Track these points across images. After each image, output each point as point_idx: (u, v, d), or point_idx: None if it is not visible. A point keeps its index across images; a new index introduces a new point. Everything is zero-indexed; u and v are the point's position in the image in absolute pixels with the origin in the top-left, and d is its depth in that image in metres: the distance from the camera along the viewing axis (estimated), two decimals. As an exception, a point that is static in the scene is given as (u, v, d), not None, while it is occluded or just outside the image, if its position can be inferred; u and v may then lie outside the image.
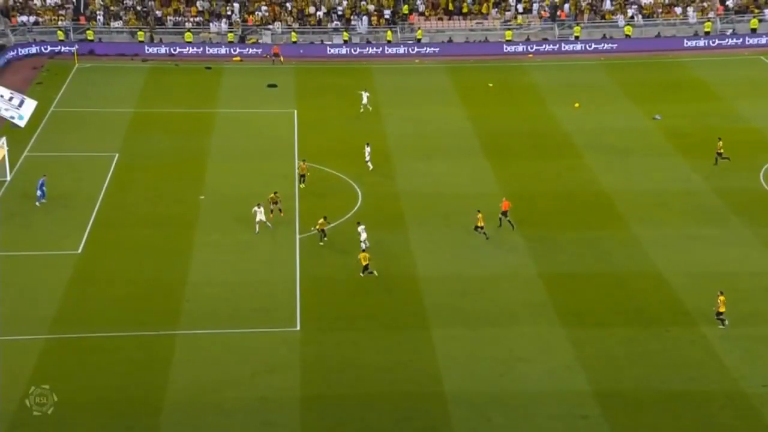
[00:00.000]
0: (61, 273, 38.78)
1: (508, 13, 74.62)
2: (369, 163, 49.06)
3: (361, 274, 38.67)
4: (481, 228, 41.88)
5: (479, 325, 35.93)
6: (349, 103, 59.96)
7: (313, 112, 58.30)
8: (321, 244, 41.21)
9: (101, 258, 40.29)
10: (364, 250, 39.43)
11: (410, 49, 71.28)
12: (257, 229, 41.85)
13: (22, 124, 50.73)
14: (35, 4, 71.68)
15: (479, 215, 42.05)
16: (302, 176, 46.74)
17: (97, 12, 71.80)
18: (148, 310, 36.42)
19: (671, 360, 33.82)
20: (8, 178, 47.07)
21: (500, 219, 42.80)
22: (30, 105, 52.08)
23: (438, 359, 33.82)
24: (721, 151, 49.36)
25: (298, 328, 35.58)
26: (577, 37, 72.70)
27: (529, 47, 71.81)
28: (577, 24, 73.37)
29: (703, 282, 38.37)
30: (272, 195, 43.22)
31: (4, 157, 46.89)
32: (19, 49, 67.57)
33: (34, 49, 68.09)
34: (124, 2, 73.13)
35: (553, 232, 42.99)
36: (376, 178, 48.27)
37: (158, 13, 72.23)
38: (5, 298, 36.66)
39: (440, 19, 74.61)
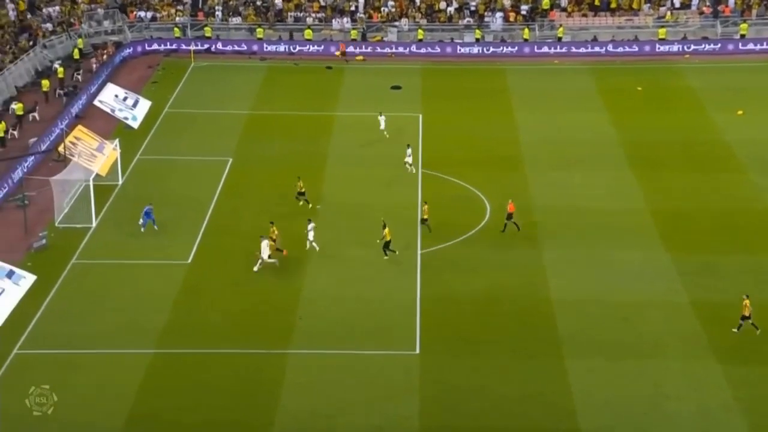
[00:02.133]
0: (169, 284, 40.05)
1: (662, 9, 72.99)
2: (411, 167, 49.09)
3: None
4: (425, 221, 43.20)
5: (621, 357, 35.18)
6: (479, 107, 59.92)
7: (440, 117, 58.47)
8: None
9: (211, 269, 41.42)
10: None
11: (549, 49, 70.69)
12: (256, 267, 40.49)
13: (135, 125, 53.38)
14: (153, -1, 74.76)
15: (425, 207, 43.44)
16: (301, 193, 46.05)
17: (216, 7, 74.20)
18: (259, 326, 37.24)
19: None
20: (120, 182, 49.15)
21: (505, 223, 43.02)
22: (144, 105, 54.66)
23: (573, 393, 33.29)
24: None
25: (418, 351, 35.66)
26: (743, 36, 70.38)
27: (685, 47, 70.01)
28: (744, 21, 71.04)
29: None
30: (271, 229, 41.51)
31: (116, 159, 48.97)
32: (136, 47, 70.57)
33: (150, 47, 70.97)
34: (244, -3, 75.42)
35: (709, 256, 41.78)
36: (506, 190, 48.00)
37: (279, 4, 73.93)
38: (113, 310, 38.16)
39: (584, 15, 73.63)
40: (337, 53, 69.12)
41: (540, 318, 37.61)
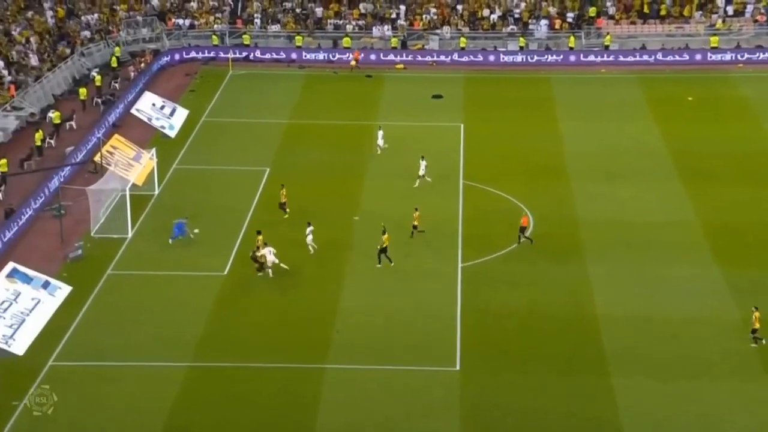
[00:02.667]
0: (205, 296, 40.31)
1: (714, 17, 72.35)
2: (427, 177, 48.82)
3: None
4: (416, 227, 43.47)
5: (670, 376, 34.83)
6: (523, 116, 59.76)
7: (482, 127, 58.35)
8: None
9: (248, 281, 41.60)
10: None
11: (596, 57, 70.33)
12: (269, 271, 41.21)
13: (172, 134, 53.89)
14: (192, 7, 75.47)
15: (416, 214, 43.65)
16: (282, 204, 46.23)
17: (255, 15, 74.79)
18: (296, 340, 37.34)
19: None
20: (156, 192, 49.63)
21: (519, 236, 42.86)
22: (181, 114, 55.20)
23: (620, 413, 32.98)
24: None
25: (458, 367, 35.55)
26: (799, 44, 69.71)
27: (739, 55, 69.36)
28: (800, 29, 70.38)
29: None
30: (259, 238, 42.01)
31: (153, 169, 49.46)
32: (174, 54, 71.33)
33: (188, 55, 71.68)
34: (284, 4, 75.91)
35: (762, 271, 41.32)
36: (550, 203, 47.75)
37: (319, 12, 74.35)
38: (148, 322, 38.49)
39: (633, 23, 73.22)
40: (352, 63, 68.56)
41: (585, 334, 37.34)
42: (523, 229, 43.67)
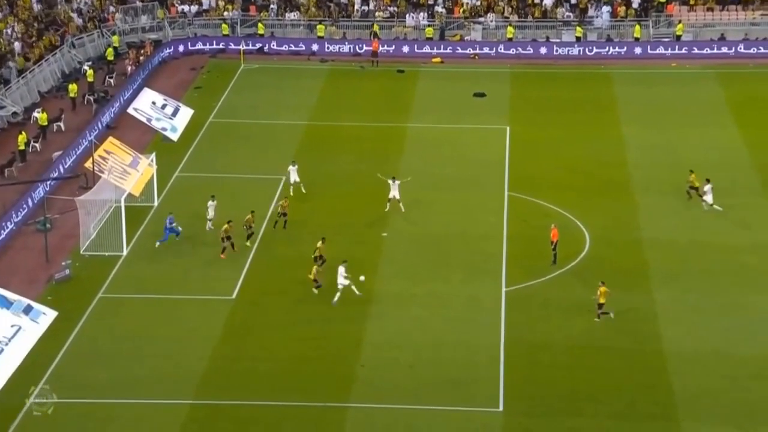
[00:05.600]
0: (212, 323, 40.54)
1: (807, 1, 72.22)
2: (401, 205, 47.93)
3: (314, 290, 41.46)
4: (319, 258, 43.48)
5: (752, 422, 34.67)
6: (578, 119, 59.79)
7: (531, 130, 58.45)
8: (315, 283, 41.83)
9: (260, 306, 41.83)
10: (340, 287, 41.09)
11: (666, 49, 70.23)
12: None
13: (174, 137, 54.37)
14: (198, -9, 76.24)
15: (320, 244, 43.55)
16: (283, 215, 46.68)
17: (271, 0, 75.36)
18: (315, 375, 37.47)
19: None
20: (156, 203, 50.14)
21: (553, 253, 43.87)
22: (185, 114, 55.70)
23: (690, 465, 33.04)
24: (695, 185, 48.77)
25: (501, 408, 35.55)
26: None
27: (837, 47, 69.18)
28: None
29: None
30: (249, 216, 45.60)
31: (152, 177, 49.96)
32: (177, 46, 72.03)
33: (193, 46, 72.35)
34: (303, -12, 76.53)
35: None
36: (610, 220, 47.73)
37: (344, -2, 74.81)
38: (145, 353, 38.69)
39: (710, 9, 73.13)
40: (372, 59, 68.75)
41: (651, 373, 37.23)
42: (553, 244, 43.73)
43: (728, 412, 35.25)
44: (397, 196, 48.18)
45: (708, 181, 48.38)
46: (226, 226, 44.69)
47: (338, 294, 41.26)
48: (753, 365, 37.59)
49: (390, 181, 48.57)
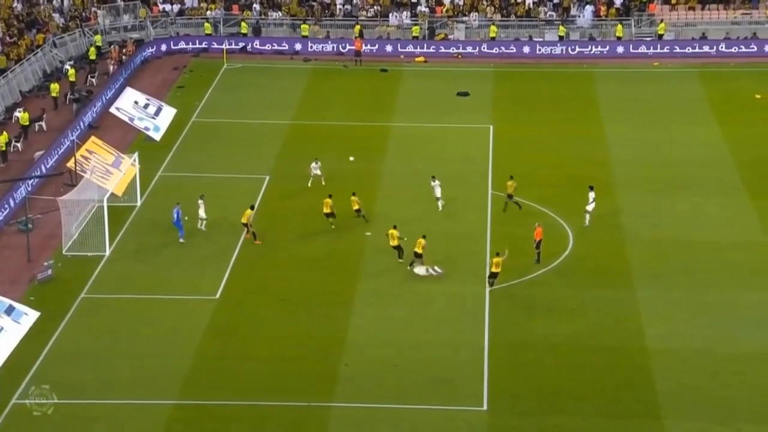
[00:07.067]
0: (195, 323, 40.51)
1: (788, 0, 72.57)
2: (440, 201, 48.51)
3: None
4: (359, 212, 46.25)
5: (733, 419, 34.80)
6: (562, 118, 59.98)
7: (514, 129, 58.62)
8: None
9: (243, 306, 41.86)
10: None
11: (648, 48, 70.48)
12: None
13: (157, 137, 54.33)
14: (180, -10, 76.13)
15: (353, 198, 46.36)
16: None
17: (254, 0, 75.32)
18: (298, 374, 37.50)
19: None
20: (139, 203, 50.05)
21: (537, 253, 43.77)
22: (168, 114, 55.66)
23: (672, 462, 33.13)
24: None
25: (485, 407, 35.64)
26: None
27: (817, 46, 69.55)
28: None
29: None
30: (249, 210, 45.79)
31: (135, 177, 49.89)
32: (159, 45, 71.90)
33: (176, 45, 72.25)
34: (287, -13, 76.48)
35: None
36: (592, 218, 47.87)
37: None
38: (129, 353, 38.64)
39: (691, 8, 73.44)
40: (356, 59, 68.82)
41: (634, 371, 37.37)
42: (537, 243, 43.86)
43: (710, 409, 35.41)
44: (438, 195, 48.67)
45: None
46: (249, 211, 45.55)
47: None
48: (734, 362, 37.76)
49: (432, 183, 48.88)
